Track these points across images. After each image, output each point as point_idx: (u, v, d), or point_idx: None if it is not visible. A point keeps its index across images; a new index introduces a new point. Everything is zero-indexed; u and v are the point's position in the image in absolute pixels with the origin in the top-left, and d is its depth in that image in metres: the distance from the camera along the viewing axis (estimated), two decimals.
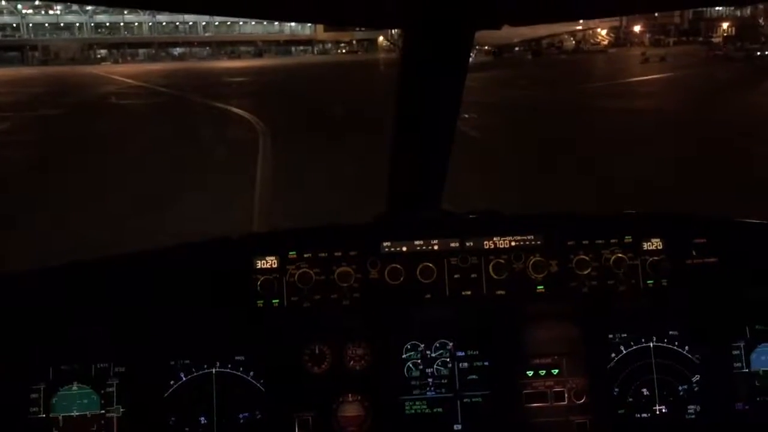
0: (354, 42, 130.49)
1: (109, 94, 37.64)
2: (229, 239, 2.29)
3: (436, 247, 2.24)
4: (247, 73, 54.36)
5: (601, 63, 54.05)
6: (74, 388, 2.13)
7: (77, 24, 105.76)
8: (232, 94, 34.89)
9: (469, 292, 2.23)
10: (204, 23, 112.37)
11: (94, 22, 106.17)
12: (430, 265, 2.21)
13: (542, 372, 2.26)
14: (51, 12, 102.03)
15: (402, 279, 2.20)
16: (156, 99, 33.32)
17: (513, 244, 2.24)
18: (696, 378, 2.27)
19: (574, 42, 74.00)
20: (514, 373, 2.26)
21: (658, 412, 2.26)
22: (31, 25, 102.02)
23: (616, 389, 2.26)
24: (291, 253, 2.20)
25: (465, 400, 2.25)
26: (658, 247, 2.26)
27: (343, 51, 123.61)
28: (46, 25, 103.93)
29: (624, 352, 2.28)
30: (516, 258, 2.23)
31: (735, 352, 2.29)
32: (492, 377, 2.27)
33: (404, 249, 2.23)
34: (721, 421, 2.25)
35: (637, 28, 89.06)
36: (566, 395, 2.25)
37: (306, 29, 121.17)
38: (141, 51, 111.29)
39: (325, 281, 2.18)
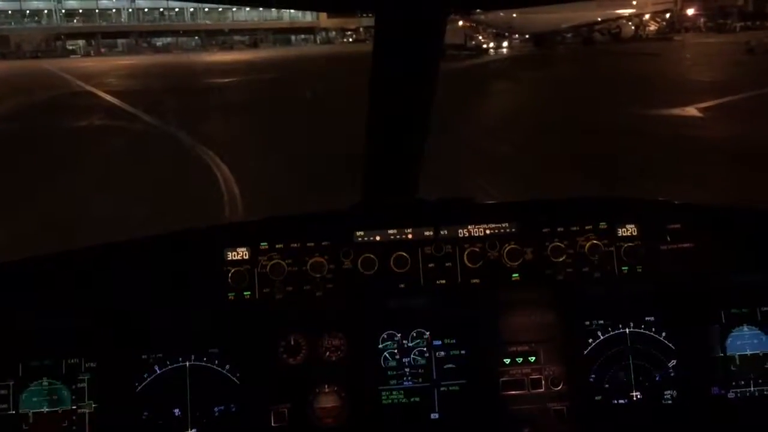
0: (361, 29, 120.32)
1: None
2: (199, 230, 2.30)
3: (410, 236, 2.28)
4: (238, 70, 43.63)
5: (695, 57, 43.14)
6: (44, 383, 2.12)
7: (45, 11, 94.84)
8: (207, 111, 24.28)
9: (443, 281, 2.28)
10: (192, 10, 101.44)
11: (64, 9, 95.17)
12: (404, 254, 2.25)
13: (519, 360, 2.28)
14: None
15: (376, 269, 2.24)
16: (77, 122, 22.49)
17: (488, 232, 2.28)
18: (672, 363, 2.30)
19: (633, 28, 62.96)
20: (491, 361, 2.28)
21: (634, 398, 2.28)
22: None
23: (593, 376, 2.29)
24: (262, 243, 2.21)
25: (442, 389, 2.28)
26: (633, 233, 2.31)
27: (350, 40, 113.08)
28: (9, 12, 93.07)
29: (600, 338, 2.31)
30: (491, 246, 2.28)
31: (710, 337, 2.32)
32: (469, 366, 2.29)
33: (378, 238, 2.27)
34: (698, 406, 2.29)
35: (690, 11, 78.51)
36: (543, 382, 2.28)
37: (307, 16, 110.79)
38: (120, 42, 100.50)
39: (297, 272, 2.21)
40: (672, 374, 2.32)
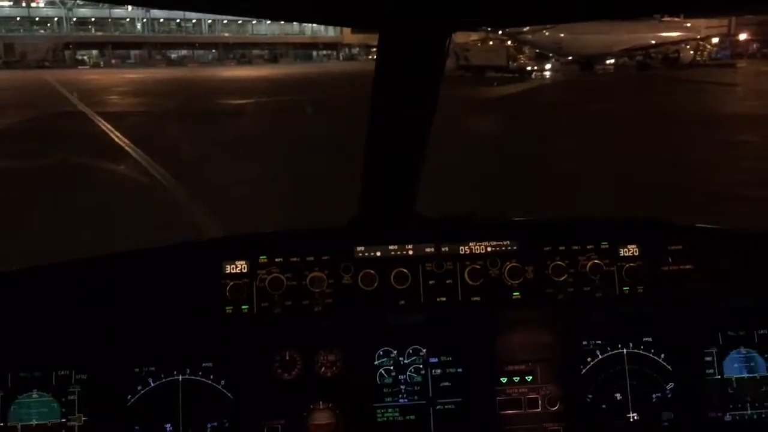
0: None
1: None
2: (198, 243, 2.33)
3: (410, 252, 2.26)
4: (255, 90, 39.00)
5: None
6: (34, 395, 2.11)
7: (55, 19, 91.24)
8: (215, 146, 19.43)
9: (444, 299, 2.26)
10: (210, 21, 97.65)
11: (75, 17, 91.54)
12: (405, 270, 2.23)
13: (516, 378, 2.28)
14: (24, 4, 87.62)
15: (376, 285, 2.21)
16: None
17: (489, 249, 2.27)
18: (669, 385, 2.30)
19: (692, 53, 57.88)
20: (488, 379, 2.28)
21: (631, 419, 2.28)
22: None
23: (590, 396, 2.29)
24: (262, 257, 2.20)
25: (438, 407, 2.27)
26: (635, 254, 2.31)
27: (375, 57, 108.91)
28: (18, 18, 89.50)
29: (598, 358, 2.31)
30: (492, 264, 2.26)
31: (707, 359, 2.32)
32: (465, 384, 2.28)
33: (378, 254, 2.25)
34: (695, 429, 2.29)
35: (743, 36, 73.54)
36: (540, 402, 2.27)
37: (330, 31, 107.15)
38: (133, 53, 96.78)
39: (296, 287, 2.19)
40: (669, 396, 2.30)
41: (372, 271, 2.23)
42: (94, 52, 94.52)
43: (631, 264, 2.30)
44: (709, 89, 38.15)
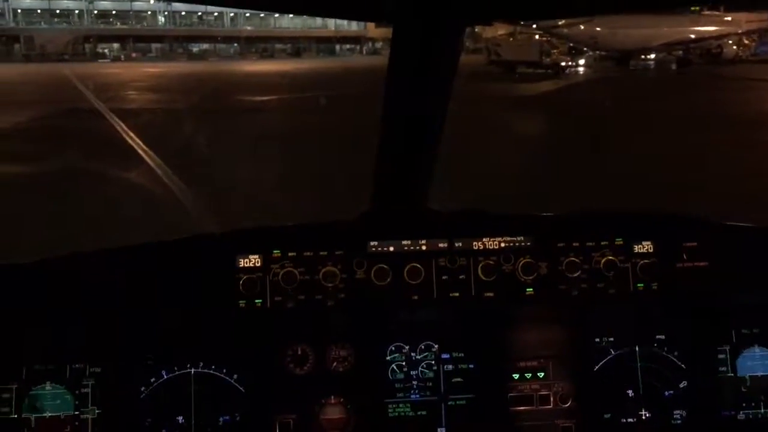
0: None
1: None
2: (212, 236, 2.32)
3: (424, 248, 2.26)
4: (278, 86, 37.50)
5: None
6: (47, 388, 2.12)
7: (76, 11, 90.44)
8: (235, 148, 17.90)
9: (457, 294, 2.25)
10: (232, 15, 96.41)
11: (96, 10, 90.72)
12: (418, 265, 2.23)
13: (528, 375, 2.28)
14: None
15: (389, 280, 2.22)
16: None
17: (503, 245, 2.27)
18: (682, 383, 2.30)
19: (735, 48, 55.27)
20: (500, 376, 2.28)
21: (643, 417, 2.27)
22: (19, 10, 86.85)
23: (602, 393, 2.29)
24: (275, 251, 2.20)
25: (449, 403, 2.27)
26: (649, 250, 2.29)
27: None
28: (38, 11, 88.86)
29: (611, 355, 2.30)
30: (505, 259, 2.26)
31: (721, 357, 2.31)
32: (477, 380, 2.28)
33: (391, 249, 2.25)
34: (707, 427, 2.29)
35: None
36: (552, 399, 2.28)
37: (353, 25, 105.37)
38: (154, 46, 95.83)
39: (309, 281, 2.19)
40: (682, 394, 2.30)
41: (385, 266, 2.21)
42: (116, 45, 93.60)
43: (646, 261, 2.28)
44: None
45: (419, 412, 2.27)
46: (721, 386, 2.32)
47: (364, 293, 2.22)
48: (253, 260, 2.21)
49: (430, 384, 2.29)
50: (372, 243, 2.25)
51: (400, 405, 2.27)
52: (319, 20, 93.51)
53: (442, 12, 1.93)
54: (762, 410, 2.33)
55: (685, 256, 2.31)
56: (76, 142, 17.51)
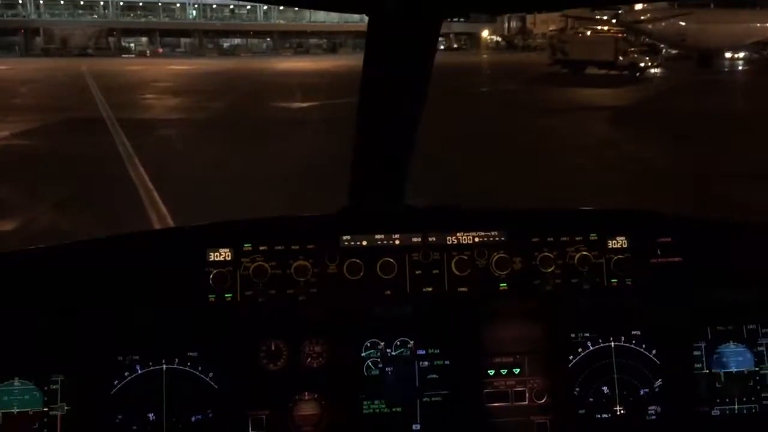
0: (451, 36, 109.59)
1: None
2: (181, 229, 2.32)
3: (397, 242, 2.25)
4: (318, 88, 32.46)
5: None
6: (15, 383, 2.10)
7: (101, 3, 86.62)
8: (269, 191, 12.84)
9: (430, 289, 2.25)
10: (265, 8, 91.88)
11: (122, 1, 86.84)
12: (391, 260, 2.22)
13: (503, 371, 2.28)
14: None
15: (361, 274, 2.20)
16: None
17: (476, 240, 2.27)
18: (657, 378, 2.31)
19: None
20: (475, 372, 2.28)
21: (618, 413, 2.28)
22: (41, 1, 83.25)
23: (577, 389, 2.29)
24: (246, 245, 2.19)
25: (425, 399, 2.26)
26: (623, 246, 2.30)
27: (441, 48, 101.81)
28: (61, 2, 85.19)
29: (585, 351, 2.30)
30: (479, 254, 2.26)
31: (696, 353, 2.33)
32: (452, 376, 2.27)
33: (364, 243, 2.24)
34: (682, 423, 2.30)
35: None
36: (527, 395, 2.27)
37: None
38: (183, 41, 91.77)
39: (281, 275, 2.18)
40: (656, 390, 2.31)
41: (358, 261, 2.20)
42: (144, 39, 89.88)
43: (620, 256, 2.29)
44: None
45: (394, 409, 2.23)
46: (696, 382, 2.32)
47: (337, 288, 2.20)
48: (224, 254, 2.17)
49: (406, 380, 2.25)
50: (344, 237, 2.22)
51: (375, 401, 2.23)
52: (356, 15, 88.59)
53: (418, 5, 1.91)
54: (736, 406, 2.33)
55: (659, 252, 2.31)
56: (57, 175, 12.72)
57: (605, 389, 2.29)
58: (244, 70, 50.39)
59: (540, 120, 22.03)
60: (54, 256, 2.23)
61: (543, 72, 42.02)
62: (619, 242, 2.32)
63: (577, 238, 2.30)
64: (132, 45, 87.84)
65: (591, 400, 2.29)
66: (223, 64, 57.55)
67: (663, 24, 44.35)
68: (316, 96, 28.33)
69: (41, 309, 2.14)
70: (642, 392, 2.30)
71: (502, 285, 2.26)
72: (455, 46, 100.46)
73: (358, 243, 2.24)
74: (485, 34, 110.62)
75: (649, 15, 43.68)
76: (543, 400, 2.28)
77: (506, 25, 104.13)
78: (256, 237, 2.21)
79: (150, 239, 2.33)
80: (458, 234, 2.28)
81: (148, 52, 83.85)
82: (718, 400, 2.33)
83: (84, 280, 2.17)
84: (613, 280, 2.29)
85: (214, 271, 2.16)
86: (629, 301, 2.32)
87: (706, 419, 2.33)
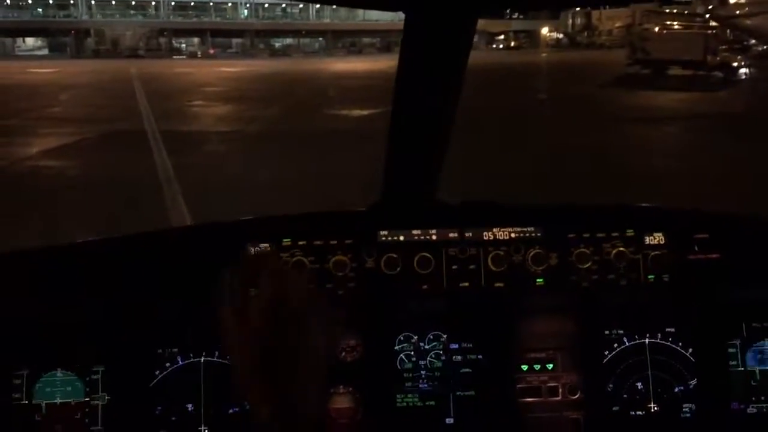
0: (511, 33, 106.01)
1: None
2: (221, 224, 2.35)
3: (434, 237, 2.28)
4: (377, 91, 29.99)
5: None
6: (58, 374, 2.15)
7: (153, 3, 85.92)
8: None
9: (467, 284, 2.27)
10: (318, 7, 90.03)
11: (174, 1, 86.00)
12: (428, 255, 2.24)
13: (537, 366, 2.30)
14: None
15: (399, 269, 2.23)
16: None
17: (513, 235, 2.30)
18: (692, 376, 2.30)
19: None
20: (508, 367, 2.30)
21: (652, 410, 2.28)
22: (93, 2, 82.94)
23: (611, 386, 2.29)
24: (285, 240, 2.23)
25: (458, 393, 2.28)
26: (660, 242, 2.30)
27: (500, 47, 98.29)
28: (113, 2, 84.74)
29: (620, 348, 2.30)
30: (515, 250, 2.28)
31: (731, 350, 2.31)
32: (486, 371, 2.30)
33: (401, 238, 2.27)
34: (717, 421, 2.30)
35: None
36: (560, 390, 2.28)
37: None
38: (234, 41, 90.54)
39: (319, 270, 2.22)
40: (691, 387, 2.28)
41: (395, 255, 2.22)
42: (195, 39, 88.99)
43: (657, 252, 2.27)
44: None
45: (427, 402, 2.25)
46: (731, 380, 2.29)
47: (374, 282, 2.23)
48: (263, 248, 2.21)
49: (439, 374, 2.26)
50: (382, 232, 2.25)
51: (409, 395, 2.26)
52: None
53: (453, 2, 1.91)
54: None
55: (696, 248, 2.29)
56: (69, 218, 10.36)
57: (639, 386, 2.26)
58: (296, 72, 48.11)
59: (638, 130, 18.93)
60: (97, 250, 2.26)
61: (620, 73, 38.54)
62: (656, 238, 2.29)
63: (613, 234, 2.27)
64: (183, 45, 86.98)
65: (625, 396, 2.26)
66: (275, 65, 55.52)
67: (765, 18, 40.15)
68: (376, 102, 25.73)
69: (84, 302, 2.16)
70: (677, 389, 2.27)
71: (538, 280, 2.26)
72: (514, 44, 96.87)
73: (396, 238, 2.25)
74: (545, 31, 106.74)
75: (747, 9, 39.62)
76: (576, 396, 2.25)
77: (570, 21, 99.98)
78: (295, 232, 2.22)
79: (190, 234, 2.38)
80: (494, 230, 2.28)
81: (199, 53, 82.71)
82: (753, 398, 2.28)
83: (126, 275, 2.19)
84: (650, 277, 2.27)
85: None
86: (665, 298, 2.29)
87: (741, 417, 2.28)
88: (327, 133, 18.57)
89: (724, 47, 39.79)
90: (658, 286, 2.27)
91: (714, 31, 40.75)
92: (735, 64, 38.76)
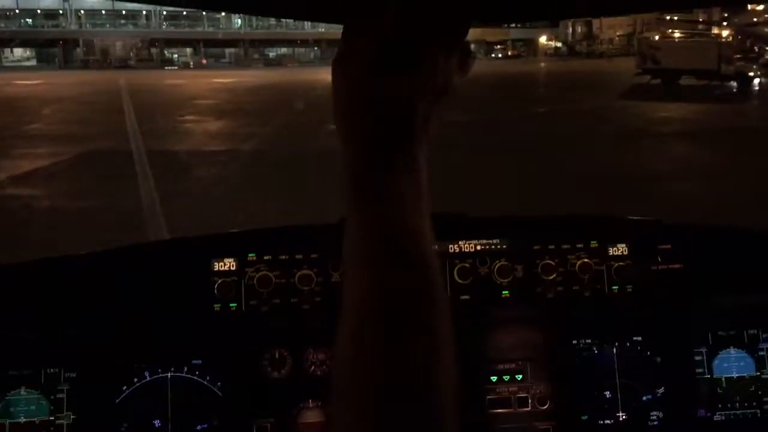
0: (508, 43, 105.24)
1: None
2: (187, 240, 2.35)
3: None
4: None
5: None
6: (22, 393, 2.13)
7: (144, 12, 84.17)
8: None
9: None
10: None
11: (165, 11, 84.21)
12: None
13: (506, 378, 2.33)
14: None
15: None
16: None
17: (478, 248, 2.32)
18: (659, 384, 2.34)
19: None
20: (478, 378, 2.32)
21: (621, 419, 2.31)
22: (82, 12, 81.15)
23: (580, 395, 2.32)
24: (251, 255, 2.24)
25: None
26: (624, 253, 2.35)
27: (499, 56, 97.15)
28: (103, 12, 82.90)
29: (588, 357, 2.35)
30: (481, 262, 2.31)
31: (697, 358, 2.37)
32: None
33: None
34: (684, 428, 2.35)
35: None
36: (530, 401, 2.32)
37: None
38: (228, 51, 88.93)
39: (285, 284, 2.23)
40: (659, 395, 2.32)
41: None
42: (188, 50, 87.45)
43: (621, 263, 2.32)
44: None
45: None
46: (698, 388, 2.34)
47: (340, 296, 2.08)
48: (228, 264, 2.22)
49: None
50: None
51: None
52: None
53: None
54: (737, 411, 2.35)
55: (659, 259, 2.34)
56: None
57: (608, 395, 2.30)
58: (292, 82, 46.44)
59: (673, 147, 17.36)
60: (58, 267, 2.26)
61: (628, 83, 37.15)
62: (620, 249, 2.33)
63: (578, 245, 2.32)
64: (175, 56, 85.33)
65: (593, 406, 2.29)
66: (270, 75, 53.80)
67: None
68: None
69: (45, 319, 2.15)
70: (644, 398, 2.31)
71: (504, 293, 2.30)
72: (513, 53, 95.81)
73: None
74: (543, 39, 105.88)
75: (766, 16, 38.36)
76: (546, 406, 2.28)
77: (569, 30, 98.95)
78: (260, 247, 2.23)
79: (154, 249, 2.38)
80: (460, 242, 2.30)
81: (191, 63, 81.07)
82: (720, 406, 2.34)
83: (89, 291, 2.17)
84: (614, 287, 2.32)
85: (219, 281, 2.19)
86: (630, 308, 2.33)
87: (708, 424, 2.34)
88: (330, 153, 16.84)
89: (738, 56, 38.36)
90: (622, 297, 2.31)
91: (728, 39, 39.39)
92: (751, 73, 37.43)
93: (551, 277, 2.27)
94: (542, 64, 75.69)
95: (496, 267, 2.26)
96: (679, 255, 2.32)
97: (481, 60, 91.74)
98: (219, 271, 2.19)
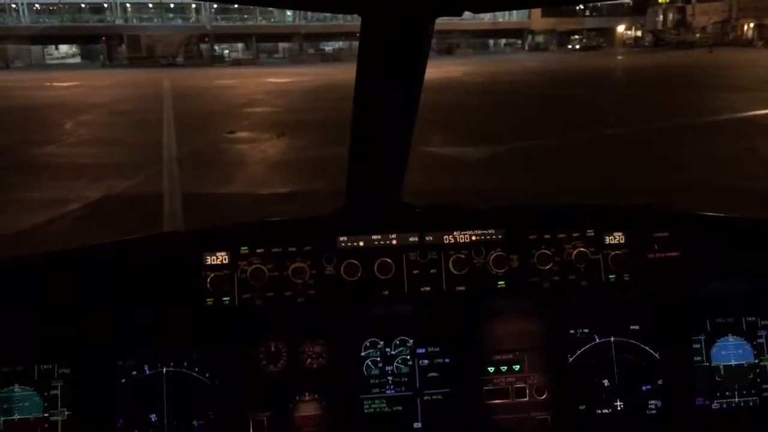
0: (584, 32, 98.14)
1: None
2: (179, 234, 2.34)
3: (394, 242, 2.30)
4: (474, 119, 22.60)
5: None
6: (16, 390, 2.13)
7: (193, 5, 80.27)
8: None
9: (428, 288, 2.30)
10: None
11: (216, 4, 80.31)
12: (388, 260, 2.27)
13: (503, 368, 2.32)
14: None
15: (359, 275, 2.25)
16: None
17: (474, 238, 2.31)
18: (657, 373, 2.34)
19: None
20: (475, 369, 2.32)
21: (619, 408, 2.31)
22: (128, 5, 77.65)
23: (577, 385, 2.32)
24: (243, 248, 2.23)
25: (425, 398, 2.31)
26: (620, 241, 2.34)
27: (577, 47, 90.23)
28: (150, 6, 79.36)
29: (585, 347, 2.33)
30: (477, 253, 2.30)
31: (695, 346, 2.37)
32: (453, 374, 2.32)
33: (361, 244, 2.29)
34: (682, 417, 2.33)
35: None
36: (527, 391, 2.31)
37: (514, 15, 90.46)
38: (281, 46, 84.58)
39: (278, 277, 2.22)
40: (657, 384, 2.33)
41: (355, 261, 2.23)
42: (239, 45, 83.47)
43: (617, 252, 2.31)
44: None
45: (395, 408, 2.27)
46: (696, 376, 2.34)
47: (335, 289, 2.22)
48: (221, 257, 2.20)
49: (406, 379, 2.28)
50: (341, 238, 2.25)
51: (376, 401, 2.27)
52: None
53: (411, 4, 1.90)
54: (736, 399, 2.35)
55: (656, 247, 2.32)
56: None
57: (605, 384, 2.29)
58: (349, 85, 41.27)
59: None
60: (52, 261, 2.23)
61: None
62: (617, 238, 2.32)
63: (574, 235, 2.30)
64: (226, 52, 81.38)
65: (591, 395, 2.29)
66: (330, 73, 48.63)
67: None
68: (484, 132, 18.76)
69: (39, 314, 2.12)
70: (642, 387, 2.31)
71: (500, 283, 2.28)
72: (594, 44, 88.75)
73: (355, 244, 2.26)
74: (621, 28, 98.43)
75: None
76: (543, 396, 2.29)
77: (659, 18, 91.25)
78: (252, 240, 2.22)
79: (149, 244, 2.32)
80: (455, 233, 2.29)
81: (241, 60, 76.77)
82: (718, 394, 2.34)
83: (82, 286, 2.16)
84: (611, 276, 2.30)
85: (212, 275, 2.18)
86: (627, 296, 2.32)
87: (706, 413, 2.33)
88: (433, 194, 11.38)
89: None
90: (619, 286, 2.29)
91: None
92: None
93: (547, 267, 2.27)
94: (620, 57, 68.53)
95: (492, 257, 2.26)
96: (676, 243, 2.32)
97: (556, 51, 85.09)
98: (211, 265, 2.19)
